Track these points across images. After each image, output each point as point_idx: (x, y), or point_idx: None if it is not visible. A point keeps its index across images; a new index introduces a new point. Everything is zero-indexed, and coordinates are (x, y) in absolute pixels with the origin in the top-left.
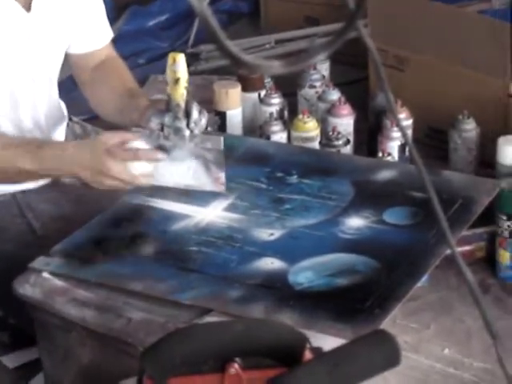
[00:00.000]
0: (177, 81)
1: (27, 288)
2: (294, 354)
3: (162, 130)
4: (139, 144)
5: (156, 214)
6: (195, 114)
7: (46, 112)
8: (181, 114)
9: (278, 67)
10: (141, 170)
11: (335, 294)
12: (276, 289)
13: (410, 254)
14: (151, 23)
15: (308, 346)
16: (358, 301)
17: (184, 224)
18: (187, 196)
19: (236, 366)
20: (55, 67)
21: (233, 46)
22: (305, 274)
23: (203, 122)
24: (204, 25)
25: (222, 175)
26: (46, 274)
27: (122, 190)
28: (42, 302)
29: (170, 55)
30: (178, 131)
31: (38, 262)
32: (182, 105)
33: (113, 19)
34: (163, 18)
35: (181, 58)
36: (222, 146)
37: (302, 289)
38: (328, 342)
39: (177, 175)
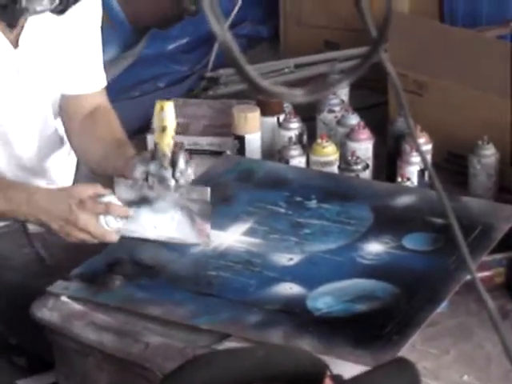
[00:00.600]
0: (164, 129)
1: (45, 312)
2: (315, 381)
3: (146, 179)
4: (111, 198)
5: None
6: (181, 163)
7: (44, 148)
8: (167, 163)
9: (300, 96)
10: (112, 226)
11: (354, 319)
12: (295, 314)
13: (429, 279)
14: (171, 47)
15: (328, 373)
16: (377, 327)
17: (202, 248)
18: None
19: None
20: (50, 104)
21: (255, 73)
22: (324, 300)
23: (189, 172)
24: (225, 51)
25: (207, 227)
26: (64, 298)
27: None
28: (60, 325)
29: (158, 103)
30: (163, 180)
31: (57, 286)
32: (168, 154)
33: (133, 43)
34: (183, 41)
35: (169, 107)
36: (208, 198)
37: (320, 314)
38: (347, 368)
39: (159, 227)
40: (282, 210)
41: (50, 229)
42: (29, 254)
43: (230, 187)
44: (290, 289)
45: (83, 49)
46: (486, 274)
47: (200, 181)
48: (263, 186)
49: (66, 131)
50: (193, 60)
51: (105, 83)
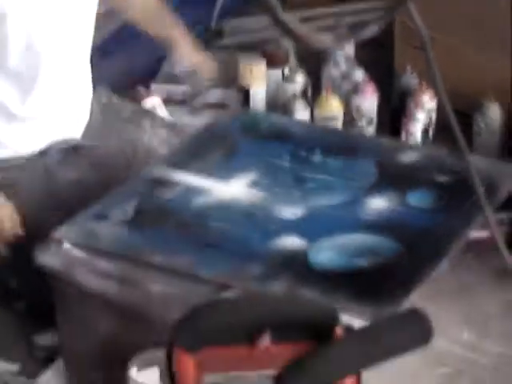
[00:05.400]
0: None
1: (47, 258)
2: (325, 330)
3: None
4: None
5: (178, 188)
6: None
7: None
8: None
9: (329, 41)
10: None
11: (356, 274)
12: (296, 267)
13: (431, 236)
14: None
15: (339, 322)
16: (378, 282)
17: (206, 199)
18: (210, 170)
19: (266, 337)
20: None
21: (288, 17)
22: (325, 254)
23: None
24: None
25: None
26: (66, 244)
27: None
28: (62, 272)
29: None
30: None
31: (59, 232)
32: None
33: None
34: None
35: None
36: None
37: (322, 268)
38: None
39: None
40: (286, 164)
41: None
42: (42, 186)
43: (234, 139)
44: (292, 242)
45: None
46: (488, 232)
47: (204, 133)
48: (267, 138)
49: None
50: (197, 11)
51: None
